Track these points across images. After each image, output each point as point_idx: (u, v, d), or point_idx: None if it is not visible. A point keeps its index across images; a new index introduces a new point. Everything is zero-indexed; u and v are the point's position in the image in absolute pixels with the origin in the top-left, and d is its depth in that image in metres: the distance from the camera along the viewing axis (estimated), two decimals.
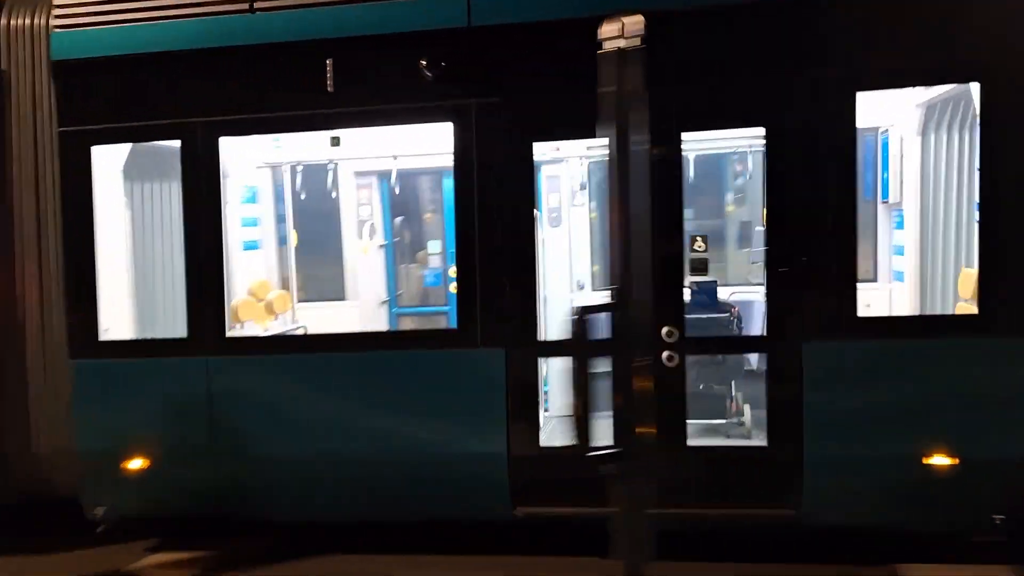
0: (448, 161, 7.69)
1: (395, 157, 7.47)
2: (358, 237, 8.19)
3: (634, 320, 2.79)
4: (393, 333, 7.13)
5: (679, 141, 5.07)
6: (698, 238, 5.19)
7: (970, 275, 5.11)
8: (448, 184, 8.19)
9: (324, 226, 8.45)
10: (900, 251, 6.60)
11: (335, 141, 6.43)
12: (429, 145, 7.35)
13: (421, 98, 5.31)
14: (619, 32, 2.67)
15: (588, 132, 5.57)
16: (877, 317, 5.14)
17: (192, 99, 5.51)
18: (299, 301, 8.25)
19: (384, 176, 8.08)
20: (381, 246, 8.29)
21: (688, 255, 5.16)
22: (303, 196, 8.12)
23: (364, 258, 8.21)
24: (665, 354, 5.09)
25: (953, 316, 4.98)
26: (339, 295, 8.37)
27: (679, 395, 5.14)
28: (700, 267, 5.17)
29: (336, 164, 7.97)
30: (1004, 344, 4.71)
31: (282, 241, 8.37)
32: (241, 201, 7.84)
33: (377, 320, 8.18)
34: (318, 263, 8.46)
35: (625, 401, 2.75)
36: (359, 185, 8.15)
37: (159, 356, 5.73)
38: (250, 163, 7.86)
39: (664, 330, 5.08)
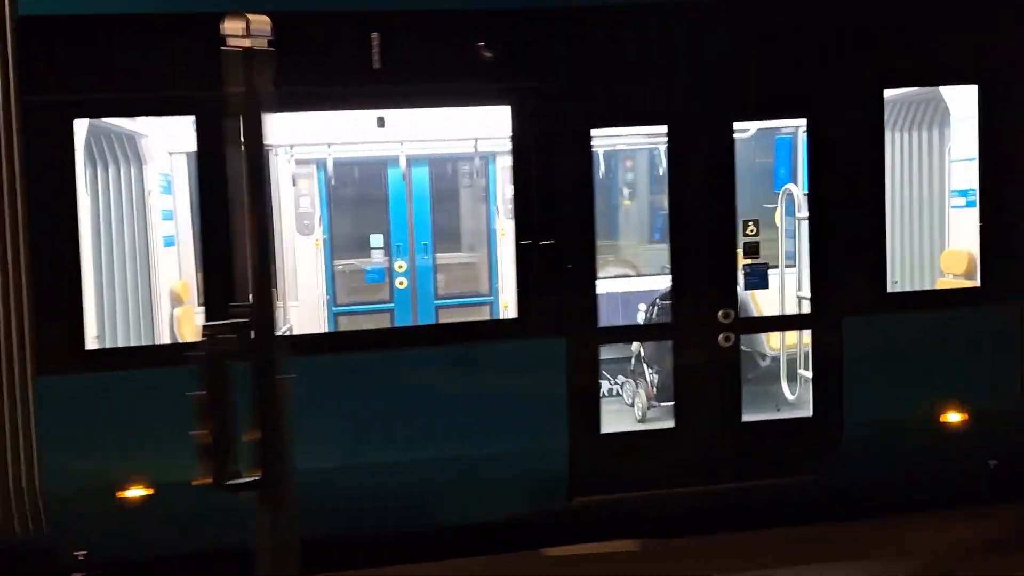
0: (394, 150, 7.57)
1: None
2: (298, 231, 7.59)
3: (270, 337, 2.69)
4: (448, 326, 6.69)
5: (731, 131, 5.33)
6: (750, 223, 5.47)
7: (957, 253, 5.86)
8: (392, 174, 7.86)
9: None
10: None
11: (380, 122, 5.91)
12: (375, 133, 7.02)
13: (475, 79, 5.08)
14: (244, 31, 2.49)
15: (644, 119, 5.76)
16: (902, 292, 5.73)
17: (211, 69, 4.82)
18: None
19: (324, 165, 7.55)
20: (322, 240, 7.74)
21: (741, 239, 5.43)
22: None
23: (303, 254, 7.62)
24: (722, 335, 5.31)
25: (962, 289, 5.66)
26: None
27: (735, 373, 5.38)
28: (753, 250, 5.45)
29: (270, 151, 7.32)
30: (997, 310, 5.46)
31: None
32: (162, 191, 6.98)
33: (318, 321, 7.63)
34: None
35: (267, 425, 2.65)
36: (298, 175, 7.54)
37: (165, 366, 4.95)
38: (162, 148, 7.00)
39: (720, 312, 5.30)
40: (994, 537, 5.35)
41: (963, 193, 5.96)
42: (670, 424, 5.40)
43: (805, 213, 5.64)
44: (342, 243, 7.83)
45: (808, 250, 5.43)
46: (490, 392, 5.11)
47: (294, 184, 7.44)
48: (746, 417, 5.44)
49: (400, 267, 7.87)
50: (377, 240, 7.90)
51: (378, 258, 7.91)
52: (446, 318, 7.87)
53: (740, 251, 5.48)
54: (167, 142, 6.88)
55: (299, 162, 7.49)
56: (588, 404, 5.28)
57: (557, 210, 5.18)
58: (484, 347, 5.20)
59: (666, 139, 5.33)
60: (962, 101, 5.94)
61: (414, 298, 7.94)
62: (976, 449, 5.56)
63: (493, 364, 5.17)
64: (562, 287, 5.19)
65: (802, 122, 6.75)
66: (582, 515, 5.30)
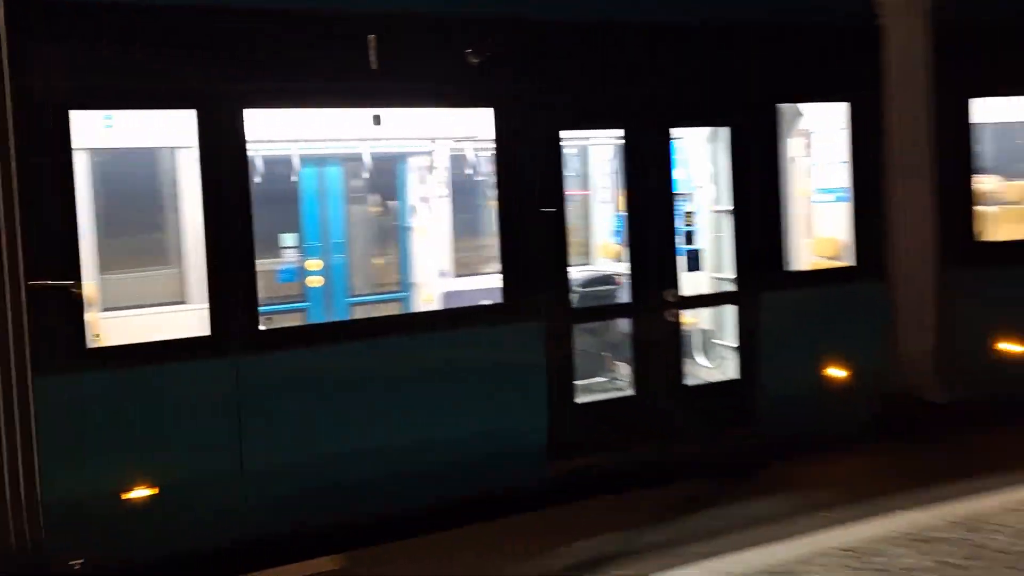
0: (303, 149, 7.65)
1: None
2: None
3: None
4: (445, 312, 6.81)
5: (668, 136, 6.17)
6: (690, 214, 6.32)
7: (827, 240, 7.12)
8: (305, 173, 7.89)
9: (157, 219, 7.48)
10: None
11: (377, 120, 6.03)
12: (284, 132, 7.14)
13: (462, 82, 5.50)
14: None
15: (605, 124, 6.41)
16: (797, 272, 6.82)
17: (214, 61, 4.86)
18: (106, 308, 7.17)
19: None
20: None
21: (682, 229, 6.27)
22: (132, 185, 7.12)
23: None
24: (668, 312, 6.14)
25: (847, 267, 6.87)
26: (176, 298, 7.46)
27: (677, 344, 6.22)
28: (689, 239, 6.31)
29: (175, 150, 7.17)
30: (870, 285, 6.77)
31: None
32: None
33: None
34: (149, 262, 7.45)
35: None
36: None
37: (168, 362, 4.88)
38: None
39: (666, 292, 6.13)
40: (880, 469, 6.64)
41: (828, 191, 7.26)
42: (631, 392, 6.14)
43: (719, 207, 6.60)
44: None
45: (733, 237, 6.37)
46: (480, 371, 5.56)
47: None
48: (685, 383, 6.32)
49: (314, 266, 7.93)
50: (289, 239, 7.91)
51: (291, 257, 7.91)
52: (360, 315, 8.04)
53: None
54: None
55: None
56: (563, 378, 5.87)
57: (534, 206, 5.73)
58: (475, 331, 5.63)
59: (623, 142, 6.07)
60: (818, 116, 7.22)
61: (328, 296, 8.03)
62: (857, 399, 6.80)
63: (483, 346, 5.61)
64: (539, 276, 5.75)
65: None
66: (560, 478, 5.88)
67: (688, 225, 6.35)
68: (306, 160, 7.73)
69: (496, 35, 5.51)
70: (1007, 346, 7.08)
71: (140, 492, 4.76)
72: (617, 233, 8.21)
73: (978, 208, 7.16)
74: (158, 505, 4.75)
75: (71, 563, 4.75)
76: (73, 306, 4.68)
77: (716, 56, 6.23)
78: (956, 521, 5.01)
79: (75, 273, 4.72)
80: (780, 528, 5.37)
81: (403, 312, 7.80)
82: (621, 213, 8.22)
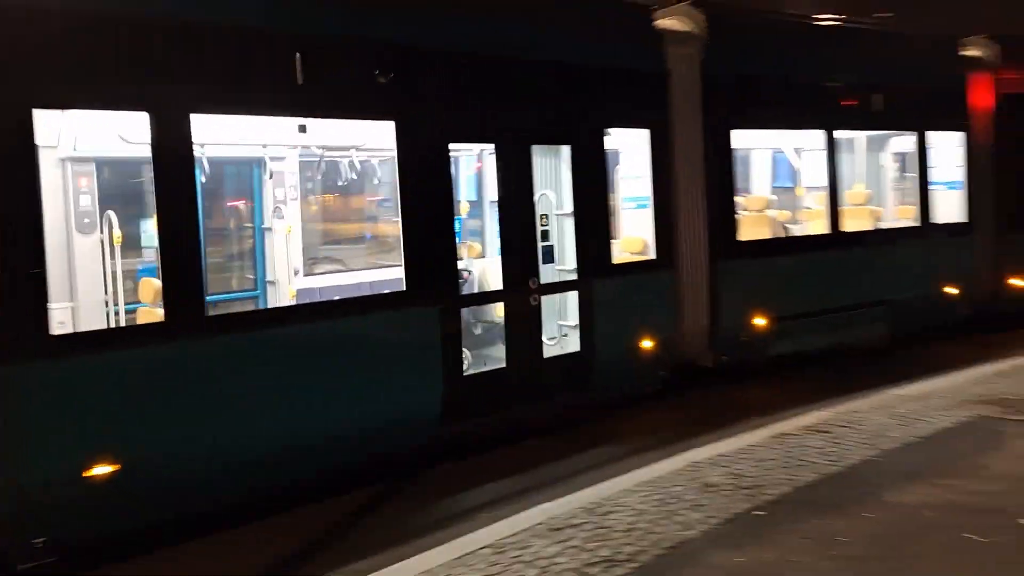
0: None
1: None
2: (78, 231, 7.39)
3: None
4: (355, 300, 7.04)
5: (528, 151, 7.48)
6: (544, 216, 7.62)
7: (635, 239, 8.85)
8: None
9: None
10: None
11: (303, 128, 6.49)
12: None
13: (370, 98, 6.39)
14: None
15: (482, 139, 7.50)
16: (618, 264, 8.38)
17: (165, 66, 5.36)
18: None
19: (104, 164, 7.54)
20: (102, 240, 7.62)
21: (539, 228, 7.57)
22: None
23: (80, 254, 7.45)
24: (531, 297, 7.44)
25: (649, 260, 8.57)
26: None
27: (538, 324, 7.54)
28: (544, 237, 7.62)
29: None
30: (665, 274, 8.58)
31: None
32: None
33: (95, 320, 7.56)
34: None
35: None
36: (77, 173, 7.38)
37: (126, 348, 5.26)
38: None
39: (530, 281, 7.44)
40: (679, 416, 8.43)
41: (632, 199, 9.01)
42: (503, 365, 7.34)
43: (561, 211, 8.04)
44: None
45: (573, 235, 7.83)
46: (387, 349, 6.47)
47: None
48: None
49: None
50: (151, 239, 8.05)
51: (150, 256, 8.06)
52: (217, 312, 8.39)
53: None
54: None
55: (77, 160, 7.39)
56: (454, 353, 6.93)
57: (428, 208, 6.75)
58: (382, 315, 6.52)
59: (494, 156, 7.29)
60: (624, 140, 8.97)
61: None
62: (656, 365, 8.57)
63: (388, 328, 6.52)
64: (433, 267, 6.78)
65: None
66: (452, 437, 6.94)
67: (543, 225, 7.69)
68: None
69: (397, 59, 6.48)
70: (758, 320, 9.29)
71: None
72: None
73: (736, 215, 9.33)
74: None
75: (34, 542, 4.98)
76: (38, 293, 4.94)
77: (561, 89, 7.67)
78: (584, 507, 5.28)
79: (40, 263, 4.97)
80: (444, 532, 5.49)
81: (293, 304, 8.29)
82: (459, 216, 9.45)
